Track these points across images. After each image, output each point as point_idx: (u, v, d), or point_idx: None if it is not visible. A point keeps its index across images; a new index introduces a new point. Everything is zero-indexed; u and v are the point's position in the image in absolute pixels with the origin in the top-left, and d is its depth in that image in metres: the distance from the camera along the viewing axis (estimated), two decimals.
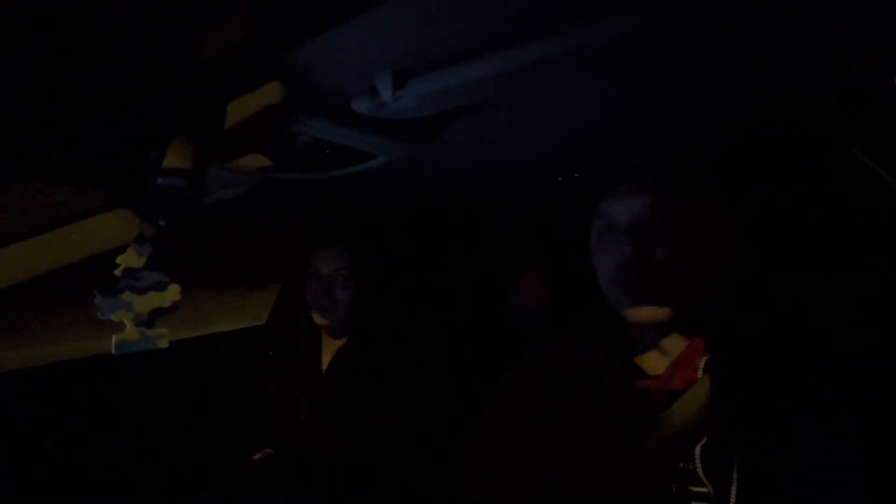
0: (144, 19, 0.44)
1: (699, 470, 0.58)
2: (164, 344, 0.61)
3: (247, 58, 0.53)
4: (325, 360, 1.13)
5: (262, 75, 0.55)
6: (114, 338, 0.59)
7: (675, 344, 0.65)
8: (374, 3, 0.44)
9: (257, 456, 1.03)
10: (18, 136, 0.56)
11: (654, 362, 0.67)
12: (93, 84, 0.52)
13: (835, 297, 0.76)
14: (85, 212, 0.69)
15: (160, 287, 0.60)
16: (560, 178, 1.13)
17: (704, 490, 0.57)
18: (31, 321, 0.81)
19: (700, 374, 0.62)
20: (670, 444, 0.59)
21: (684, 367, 0.64)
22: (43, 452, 0.91)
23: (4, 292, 0.71)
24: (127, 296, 0.59)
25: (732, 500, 0.54)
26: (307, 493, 0.98)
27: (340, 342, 1.13)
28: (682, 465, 0.59)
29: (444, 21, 0.47)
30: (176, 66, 0.52)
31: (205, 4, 0.43)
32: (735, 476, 0.55)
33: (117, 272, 0.61)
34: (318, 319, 1.09)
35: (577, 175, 1.11)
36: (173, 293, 0.62)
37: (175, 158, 0.57)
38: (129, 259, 0.60)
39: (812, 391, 0.56)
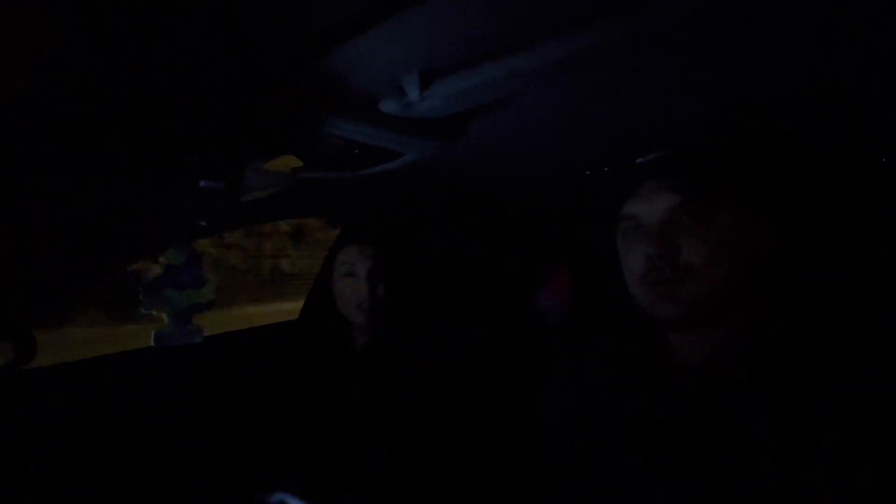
0: (177, 26, 0.46)
1: None
2: (199, 338, 0.64)
3: (278, 62, 0.54)
4: (356, 355, 1.16)
5: (293, 79, 0.57)
6: (153, 332, 0.62)
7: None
8: (400, 7, 0.45)
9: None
10: (70, 140, 0.59)
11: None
12: (133, 89, 0.55)
13: (856, 293, 0.74)
14: (128, 213, 0.72)
15: (198, 284, 0.63)
16: (588, 173, 1.12)
17: None
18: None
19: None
20: None
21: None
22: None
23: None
24: (167, 291, 0.63)
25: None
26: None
27: (371, 338, 1.15)
28: None
29: (468, 21, 0.48)
30: (211, 72, 0.54)
31: (236, 10, 0.44)
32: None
33: (159, 269, 0.64)
34: (353, 315, 1.11)
35: (605, 169, 1.10)
36: (209, 290, 0.65)
37: (214, 161, 0.59)
38: (171, 257, 0.63)
39: (829, 389, 0.55)
